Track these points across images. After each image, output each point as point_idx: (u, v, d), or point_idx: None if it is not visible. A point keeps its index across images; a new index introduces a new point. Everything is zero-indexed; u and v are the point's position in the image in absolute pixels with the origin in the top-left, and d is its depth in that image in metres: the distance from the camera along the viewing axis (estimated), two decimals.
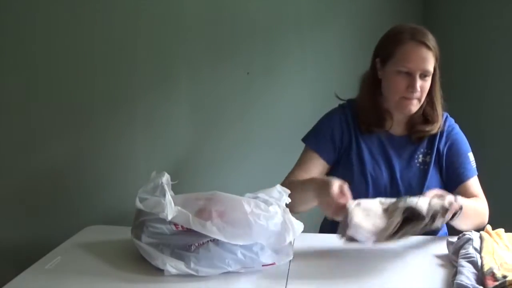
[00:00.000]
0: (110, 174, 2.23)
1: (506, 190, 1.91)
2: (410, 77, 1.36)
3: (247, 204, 1.09)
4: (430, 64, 1.36)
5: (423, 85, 1.37)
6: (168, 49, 2.22)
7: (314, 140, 1.49)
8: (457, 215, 1.20)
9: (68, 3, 2.11)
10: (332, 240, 1.30)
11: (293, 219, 1.17)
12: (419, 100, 1.39)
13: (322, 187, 1.21)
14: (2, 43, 2.08)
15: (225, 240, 1.08)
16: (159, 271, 1.10)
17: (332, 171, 1.50)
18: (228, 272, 1.10)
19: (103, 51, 2.16)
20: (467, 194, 1.40)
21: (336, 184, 1.18)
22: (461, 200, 1.22)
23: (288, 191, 1.19)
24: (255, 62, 2.32)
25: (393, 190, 1.43)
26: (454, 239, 1.18)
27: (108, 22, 2.16)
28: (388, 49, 1.40)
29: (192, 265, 1.08)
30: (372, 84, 1.46)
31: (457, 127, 1.50)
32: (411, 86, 1.36)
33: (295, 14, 2.33)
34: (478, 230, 1.30)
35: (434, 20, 2.40)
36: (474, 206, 1.33)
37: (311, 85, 2.35)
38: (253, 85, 2.33)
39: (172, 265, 1.08)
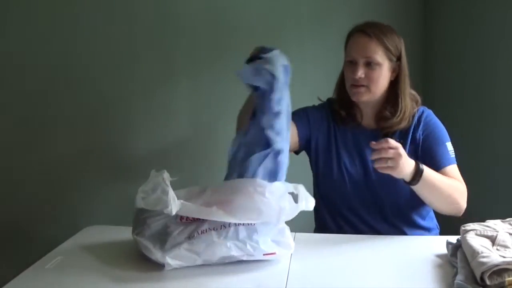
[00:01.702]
0: (110, 174, 2.23)
1: (506, 190, 1.91)
2: (355, 65, 1.44)
3: (250, 185, 1.12)
4: (374, 52, 1.42)
5: (368, 73, 1.43)
6: (168, 49, 2.22)
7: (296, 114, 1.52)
8: (416, 180, 1.29)
9: (69, 3, 2.11)
10: (332, 240, 1.30)
11: (303, 189, 1.17)
12: (368, 88, 1.44)
13: None
14: (2, 43, 2.08)
15: (236, 221, 1.09)
16: (159, 271, 1.10)
17: (314, 169, 1.58)
18: (229, 271, 1.10)
19: (103, 51, 2.16)
20: None
21: None
22: (425, 167, 1.31)
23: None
24: None
25: (367, 181, 1.49)
26: (453, 240, 1.18)
27: (108, 21, 2.15)
28: (345, 45, 1.51)
29: (193, 252, 1.08)
30: (342, 79, 1.54)
31: (435, 118, 1.52)
32: (353, 73, 1.43)
33: (295, 14, 2.33)
34: (453, 213, 1.37)
35: (434, 20, 2.41)
36: (442, 179, 1.36)
37: (311, 85, 2.34)
38: None
39: (171, 257, 1.08)
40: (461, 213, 1.39)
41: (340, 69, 1.57)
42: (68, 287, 1.07)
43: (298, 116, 1.53)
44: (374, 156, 1.26)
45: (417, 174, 1.30)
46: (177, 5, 2.21)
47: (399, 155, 1.25)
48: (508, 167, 1.91)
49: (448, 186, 1.37)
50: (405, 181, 1.32)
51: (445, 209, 1.39)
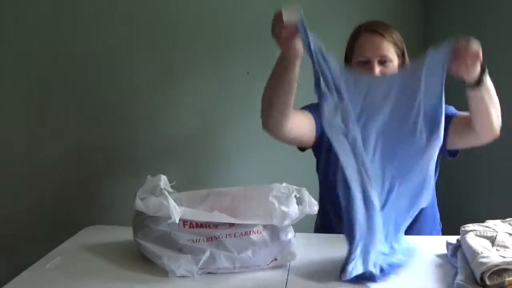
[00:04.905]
0: (110, 174, 2.23)
1: (506, 190, 1.91)
2: (369, 65, 1.43)
3: (254, 190, 1.12)
4: (387, 50, 1.43)
5: (384, 71, 1.43)
6: (168, 49, 2.23)
7: (311, 106, 1.49)
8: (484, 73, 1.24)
9: (69, 3, 2.11)
10: (332, 240, 1.30)
11: (306, 193, 1.16)
12: None
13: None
14: (2, 43, 2.08)
15: (239, 222, 1.08)
16: (159, 271, 1.10)
17: (323, 166, 1.53)
18: (229, 272, 1.10)
19: (103, 51, 2.16)
20: (462, 122, 1.42)
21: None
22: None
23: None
24: (255, 62, 2.32)
25: None
26: (453, 240, 1.18)
27: (108, 22, 2.16)
28: (349, 45, 1.50)
29: (195, 265, 1.08)
30: None
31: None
32: (370, 72, 1.41)
33: None
34: (494, 135, 1.35)
35: (434, 20, 2.40)
36: (493, 91, 1.31)
37: (311, 85, 2.34)
38: (253, 85, 2.33)
39: (176, 265, 1.08)
40: (497, 135, 1.35)
41: None
42: (68, 287, 1.07)
43: (315, 110, 1.45)
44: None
45: (483, 71, 1.23)
46: (177, 5, 2.21)
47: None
48: (508, 167, 1.91)
49: (495, 101, 1.32)
50: (469, 86, 1.25)
51: (494, 124, 1.34)
